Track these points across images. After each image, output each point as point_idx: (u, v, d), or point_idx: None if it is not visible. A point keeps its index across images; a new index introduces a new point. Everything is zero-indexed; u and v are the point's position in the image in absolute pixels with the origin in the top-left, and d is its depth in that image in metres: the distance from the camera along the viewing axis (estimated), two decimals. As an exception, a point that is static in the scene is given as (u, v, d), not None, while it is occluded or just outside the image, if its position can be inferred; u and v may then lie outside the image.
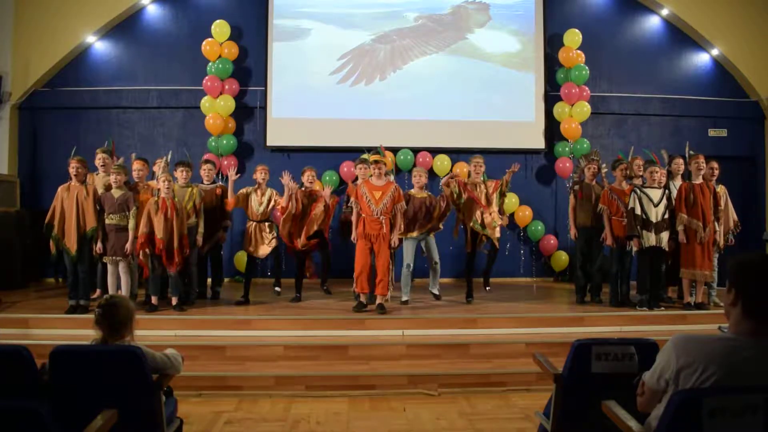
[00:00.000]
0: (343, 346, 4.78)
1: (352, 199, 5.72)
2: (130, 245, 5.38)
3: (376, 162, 5.56)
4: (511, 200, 7.99)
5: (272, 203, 6.01)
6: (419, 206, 5.99)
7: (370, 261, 5.50)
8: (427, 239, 6.12)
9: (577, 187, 6.21)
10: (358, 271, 5.41)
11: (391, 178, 5.97)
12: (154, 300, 5.50)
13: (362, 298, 5.48)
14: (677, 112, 8.50)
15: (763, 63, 8.34)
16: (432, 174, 7.96)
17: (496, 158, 8.13)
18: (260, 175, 6.01)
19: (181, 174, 5.84)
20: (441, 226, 6.18)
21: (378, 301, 5.44)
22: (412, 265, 6.06)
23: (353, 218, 5.60)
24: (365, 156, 6.05)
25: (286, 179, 5.80)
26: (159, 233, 5.34)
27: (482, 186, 6.02)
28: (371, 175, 5.61)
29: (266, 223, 6.01)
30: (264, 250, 5.97)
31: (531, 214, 8.07)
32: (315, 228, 5.99)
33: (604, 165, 6.40)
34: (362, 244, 5.45)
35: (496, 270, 6.90)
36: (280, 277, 6.50)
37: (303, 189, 6.10)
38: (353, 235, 5.55)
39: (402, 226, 5.79)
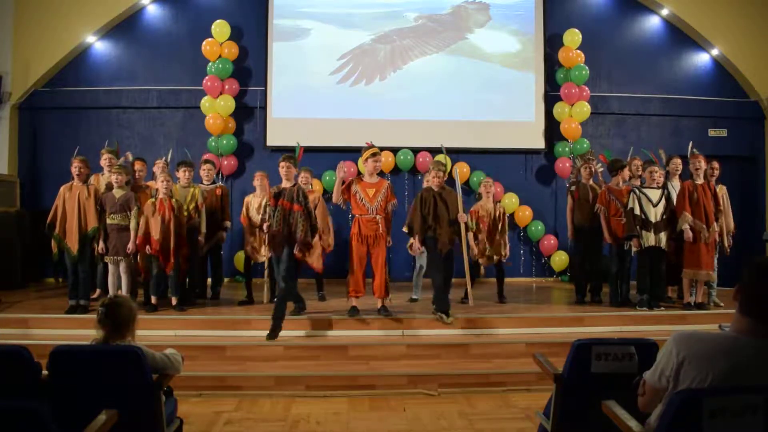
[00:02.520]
0: (343, 346, 4.78)
1: (269, 204, 5.12)
2: (131, 245, 5.38)
3: (374, 155, 5.26)
4: (511, 200, 8.00)
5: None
6: None
7: (366, 263, 5.24)
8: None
9: (573, 187, 6.22)
10: (353, 275, 5.17)
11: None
12: (153, 300, 5.50)
13: (355, 302, 5.24)
14: (677, 112, 8.51)
15: (763, 63, 8.34)
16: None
17: (496, 158, 8.17)
18: (257, 182, 6.03)
19: (183, 174, 5.84)
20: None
21: (380, 304, 5.28)
22: (424, 266, 6.09)
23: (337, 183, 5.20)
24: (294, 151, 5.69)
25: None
26: (155, 234, 5.35)
27: (493, 209, 6.04)
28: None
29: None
30: (263, 257, 5.95)
31: (531, 214, 8.07)
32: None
33: (599, 164, 6.39)
34: (357, 246, 5.17)
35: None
36: (276, 288, 6.10)
37: None
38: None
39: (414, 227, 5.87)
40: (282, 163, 5.10)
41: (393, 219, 5.97)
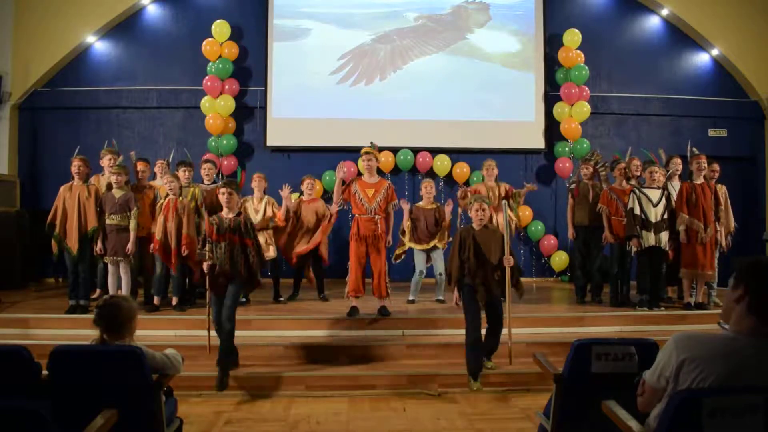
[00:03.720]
0: (343, 346, 4.78)
1: (208, 237, 4.32)
2: (131, 245, 5.38)
3: (366, 154, 5.29)
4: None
5: (269, 212, 6.01)
6: (429, 218, 5.98)
7: (365, 263, 5.26)
8: (435, 252, 6.02)
9: (573, 186, 6.23)
10: (353, 275, 5.18)
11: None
12: (156, 300, 5.51)
13: (355, 303, 5.25)
14: (677, 112, 8.51)
15: (763, 63, 8.34)
16: (432, 174, 7.96)
17: (496, 158, 8.11)
18: (255, 183, 6.09)
19: (183, 174, 5.84)
20: (448, 236, 6.00)
21: (380, 304, 5.29)
22: (424, 271, 6.10)
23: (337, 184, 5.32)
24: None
25: (285, 192, 5.86)
26: (158, 234, 5.37)
27: (495, 190, 6.05)
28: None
29: (264, 232, 5.99)
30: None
31: (531, 214, 8.07)
32: (318, 240, 6.01)
33: (601, 164, 6.38)
34: (356, 246, 5.20)
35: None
36: (279, 288, 6.17)
37: (301, 198, 6.14)
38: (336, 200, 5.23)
39: (407, 232, 5.97)
40: (222, 190, 4.34)
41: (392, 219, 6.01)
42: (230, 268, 4.23)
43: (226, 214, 4.35)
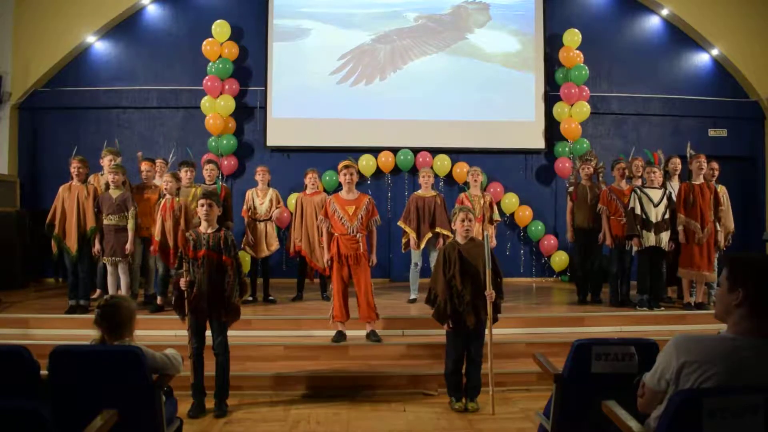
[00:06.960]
0: (343, 346, 4.78)
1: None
2: (129, 245, 5.38)
3: (346, 167, 4.79)
4: (511, 200, 7.99)
5: (274, 204, 6.09)
6: (428, 206, 5.95)
7: (348, 284, 4.85)
8: (432, 250, 5.97)
9: (571, 189, 6.22)
10: (336, 302, 4.75)
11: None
12: (159, 300, 5.50)
13: (341, 327, 4.84)
14: (677, 112, 8.51)
15: (763, 63, 8.34)
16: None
17: (496, 158, 8.17)
18: (259, 176, 6.17)
19: (184, 174, 5.85)
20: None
21: (368, 328, 4.88)
22: (420, 264, 6.08)
23: (324, 238, 4.89)
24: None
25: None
26: (156, 234, 5.36)
27: (480, 199, 6.03)
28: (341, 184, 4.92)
29: (269, 224, 6.08)
30: (264, 251, 6.02)
31: (531, 214, 8.07)
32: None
33: (601, 164, 6.37)
34: (338, 269, 4.76)
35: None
36: (268, 288, 6.15)
37: (305, 192, 6.15)
38: (327, 258, 4.81)
39: (412, 234, 5.88)
40: (201, 201, 3.85)
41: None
42: (208, 290, 3.73)
43: (204, 229, 3.82)
